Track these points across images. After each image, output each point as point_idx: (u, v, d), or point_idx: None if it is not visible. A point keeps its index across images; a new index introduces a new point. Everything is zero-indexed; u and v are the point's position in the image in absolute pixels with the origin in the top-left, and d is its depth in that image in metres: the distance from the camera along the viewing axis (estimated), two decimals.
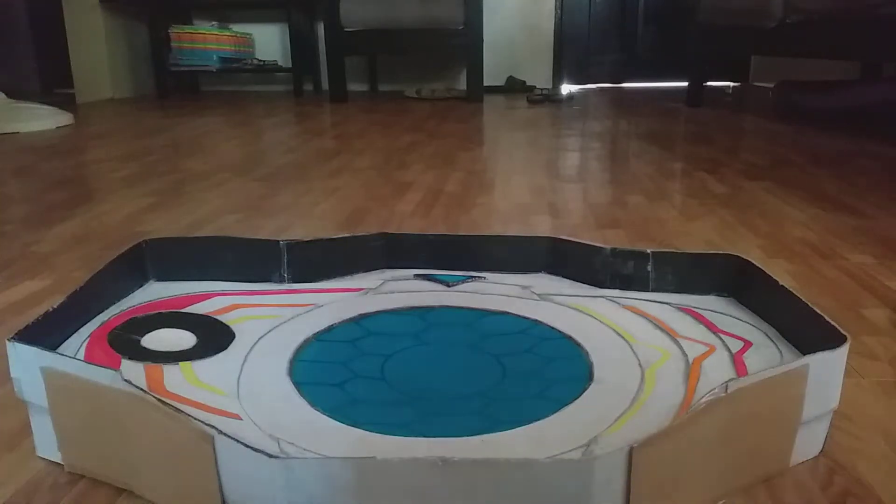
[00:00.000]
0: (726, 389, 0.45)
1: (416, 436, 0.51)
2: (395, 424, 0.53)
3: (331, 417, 0.54)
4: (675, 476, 0.44)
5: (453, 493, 0.40)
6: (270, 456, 0.41)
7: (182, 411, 0.44)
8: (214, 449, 0.42)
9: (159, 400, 0.45)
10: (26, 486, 0.49)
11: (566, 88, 3.95)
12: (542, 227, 1.14)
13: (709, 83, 3.07)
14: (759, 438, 0.48)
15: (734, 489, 0.48)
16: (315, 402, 0.56)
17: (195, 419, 0.44)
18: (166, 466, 0.46)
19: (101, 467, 0.50)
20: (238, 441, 0.42)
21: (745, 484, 0.48)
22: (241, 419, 0.54)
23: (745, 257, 0.74)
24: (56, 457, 0.52)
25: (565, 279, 0.83)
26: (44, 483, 0.50)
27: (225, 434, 0.42)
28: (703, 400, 0.44)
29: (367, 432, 0.52)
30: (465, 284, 0.81)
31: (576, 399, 0.56)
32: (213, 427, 0.43)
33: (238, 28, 3.88)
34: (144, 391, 0.46)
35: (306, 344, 0.67)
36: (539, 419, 0.53)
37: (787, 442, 0.50)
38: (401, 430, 0.52)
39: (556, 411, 0.54)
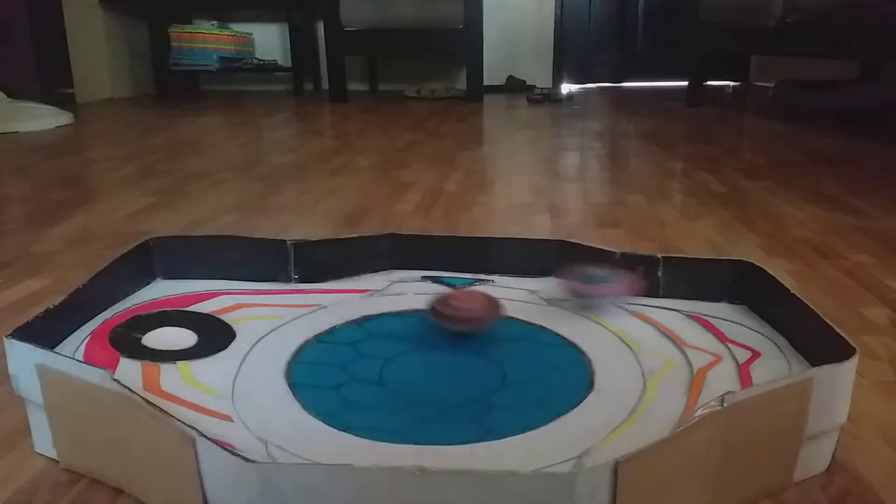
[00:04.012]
0: (723, 403, 0.43)
1: (409, 442, 0.51)
2: (387, 430, 0.52)
3: (323, 421, 0.53)
4: (664, 492, 0.43)
5: (432, 503, 0.40)
6: (247, 461, 0.40)
7: (166, 412, 0.44)
8: (196, 451, 0.42)
9: (145, 401, 0.45)
10: (26, 485, 0.49)
11: (566, 88, 3.95)
12: (542, 226, 1.14)
13: (709, 83, 3.06)
14: (759, 454, 0.47)
15: None
16: (308, 406, 0.55)
17: (178, 420, 0.43)
18: (153, 466, 0.46)
19: (95, 465, 0.50)
20: (217, 444, 0.41)
21: (744, 501, 0.47)
22: (233, 421, 0.53)
23: (757, 264, 0.72)
24: (53, 453, 0.52)
25: None
26: (44, 482, 0.50)
27: (205, 437, 0.42)
28: (698, 414, 0.43)
29: (358, 438, 0.51)
30: (472, 288, 0.80)
31: (573, 408, 0.55)
32: (194, 429, 0.42)
33: (238, 28, 3.88)
34: (132, 391, 0.46)
35: (306, 345, 0.66)
36: (534, 428, 0.52)
37: (790, 458, 0.48)
38: (393, 437, 0.51)
39: (552, 420, 0.53)
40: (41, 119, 2.47)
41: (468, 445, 0.50)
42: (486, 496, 0.39)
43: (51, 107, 2.61)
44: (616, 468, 0.39)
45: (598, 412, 0.55)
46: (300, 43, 3.70)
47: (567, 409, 0.55)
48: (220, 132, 2.37)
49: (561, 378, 0.61)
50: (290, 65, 3.73)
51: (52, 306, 0.61)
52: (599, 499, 0.40)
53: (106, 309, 0.72)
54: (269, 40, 4.00)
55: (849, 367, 0.49)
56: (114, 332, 0.67)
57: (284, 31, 3.87)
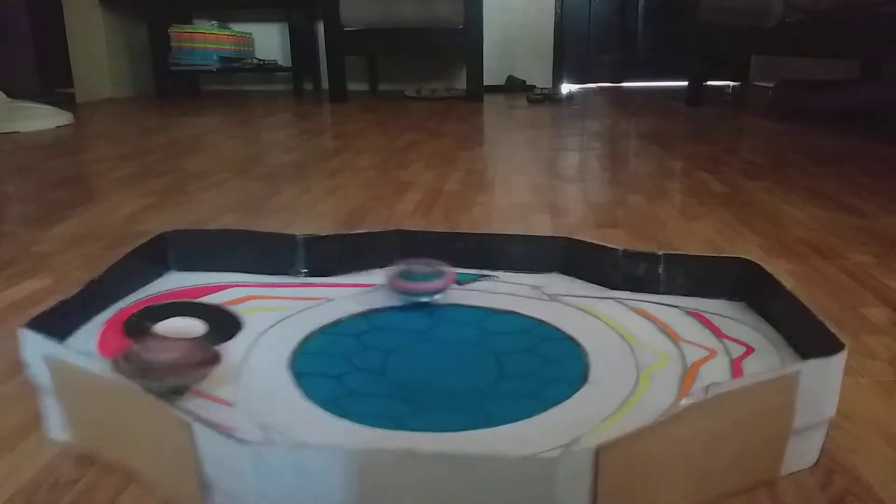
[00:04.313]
0: (707, 393, 0.44)
1: (406, 429, 0.52)
2: (385, 417, 0.53)
3: (323, 409, 0.55)
4: (646, 479, 0.43)
5: (420, 484, 0.41)
6: (241, 442, 0.41)
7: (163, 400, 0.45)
8: (193, 434, 0.43)
9: (143, 390, 0.46)
10: (36, 475, 0.50)
11: (566, 88, 3.95)
12: (541, 226, 1.14)
13: (709, 82, 3.06)
14: (745, 445, 0.47)
15: (716, 496, 0.47)
16: (310, 394, 0.57)
17: (175, 408, 0.45)
18: (155, 449, 0.47)
19: (106, 448, 0.51)
20: (212, 427, 0.43)
21: (730, 492, 0.47)
22: (235, 407, 0.55)
23: (756, 262, 0.73)
24: (64, 437, 0.54)
25: (578, 280, 0.83)
26: (51, 475, 0.50)
27: (200, 420, 0.43)
28: (682, 403, 0.44)
29: (356, 424, 0.52)
30: (476, 283, 0.81)
31: (567, 399, 0.56)
32: (190, 414, 0.44)
33: (238, 27, 3.88)
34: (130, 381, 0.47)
35: (311, 336, 0.67)
36: (528, 417, 0.54)
37: (777, 451, 0.49)
38: (390, 424, 0.53)
39: (545, 410, 0.55)
40: (41, 119, 2.47)
41: (463, 433, 0.52)
42: (471, 478, 0.40)
43: (51, 107, 2.61)
44: (598, 453, 0.40)
45: (591, 403, 0.56)
46: (300, 43, 3.70)
47: (560, 400, 0.56)
48: (220, 132, 2.37)
49: (556, 370, 0.62)
50: (290, 65, 3.73)
51: (68, 297, 0.63)
52: (580, 482, 0.41)
53: (120, 299, 0.75)
54: (269, 40, 4.01)
55: (837, 362, 0.49)
56: (128, 321, 0.70)
57: (284, 31, 3.87)
